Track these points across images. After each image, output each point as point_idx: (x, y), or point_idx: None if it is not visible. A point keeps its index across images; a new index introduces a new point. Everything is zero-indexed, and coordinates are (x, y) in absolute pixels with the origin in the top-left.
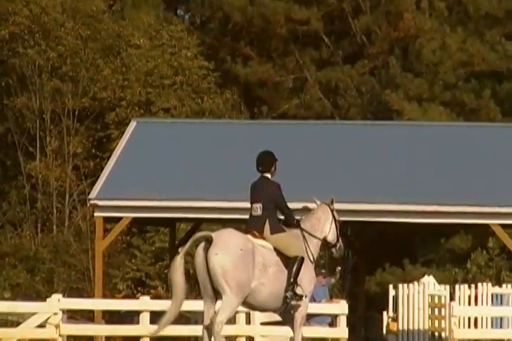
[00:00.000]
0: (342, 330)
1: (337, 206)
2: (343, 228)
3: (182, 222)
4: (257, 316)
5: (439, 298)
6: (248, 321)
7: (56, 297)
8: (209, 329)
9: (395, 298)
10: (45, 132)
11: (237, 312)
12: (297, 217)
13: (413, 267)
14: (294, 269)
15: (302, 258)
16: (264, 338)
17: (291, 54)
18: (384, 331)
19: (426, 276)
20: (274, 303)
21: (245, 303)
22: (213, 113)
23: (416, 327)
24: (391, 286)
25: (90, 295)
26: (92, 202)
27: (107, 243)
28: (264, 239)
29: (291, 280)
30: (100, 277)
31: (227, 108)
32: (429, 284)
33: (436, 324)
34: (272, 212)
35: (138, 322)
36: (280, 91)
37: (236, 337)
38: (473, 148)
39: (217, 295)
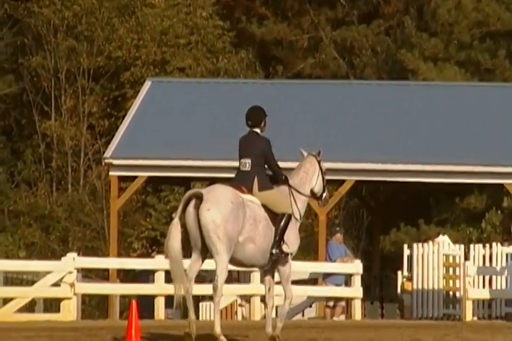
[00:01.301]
0: (356, 290)
1: (352, 165)
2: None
3: (197, 181)
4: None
5: (454, 257)
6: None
7: (71, 256)
8: (188, 280)
9: (410, 258)
10: (60, 91)
11: (251, 272)
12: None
13: (428, 227)
14: (281, 226)
15: (290, 216)
16: (278, 297)
17: (307, 13)
18: (398, 290)
19: (440, 236)
20: (261, 259)
21: (233, 259)
22: (228, 72)
23: (430, 287)
24: (406, 246)
25: (105, 254)
26: (107, 161)
27: (121, 202)
28: (252, 194)
29: (278, 237)
30: (115, 236)
31: (242, 67)
32: (444, 243)
33: (451, 283)
34: (260, 168)
35: (153, 281)
36: (295, 51)
37: (251, 296)
38: (488, 108)
39: (205, 252)
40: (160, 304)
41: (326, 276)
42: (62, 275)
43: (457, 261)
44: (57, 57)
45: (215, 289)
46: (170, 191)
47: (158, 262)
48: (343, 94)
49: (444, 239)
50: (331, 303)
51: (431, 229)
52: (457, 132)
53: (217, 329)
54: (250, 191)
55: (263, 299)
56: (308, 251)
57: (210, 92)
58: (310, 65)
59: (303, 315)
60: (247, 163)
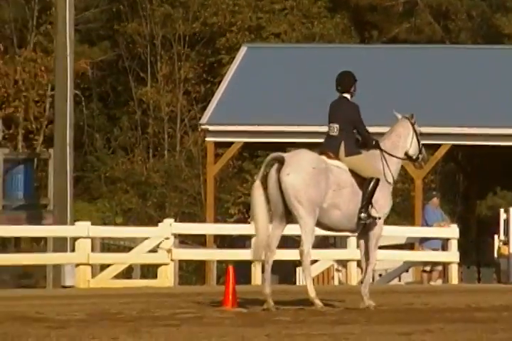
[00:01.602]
0: (453, 254)
1: (448, 130)
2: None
3: (292, 146)
4: None
5: None
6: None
7: (168, 222)
8: (271, 250)
9: (506, 222)
10: (156, 57)
11: (348, 237)
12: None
13: None
14: (368, 190)
15: (378, 180)
16: (378, 262)
17: None
18: (495, 255)
19: None
20: (348, 224)
21: (320, 224)
22: (324, 37)
23: None
24: (502, 210)
25: (202, 219)
26: (203, 127)
27: (218, 168)
28: (339, 160)
29: (365, 201)
30: (212, 202)
31: (338, 32)
32: None
33: None
34: (348, 133)
35: (249, 247)
36: (390, 16)
37: (347, 261)
38: None
39: (287, 217)
40: (257, 269)
41: (423, 241)
42: (159, 241)
43: None
44: (153, 24)
45: (301, 254)
46: (266, 157)
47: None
48: (438, 58)
49: None
50: (428, 268)
51: None
52: None
53: (312, 294)
54: (337, 156)
55: (359, 264)
56: (404, 215)
57: (305, 58)
58: (405, 29)
59: (399, 279)
60: (334, 128)
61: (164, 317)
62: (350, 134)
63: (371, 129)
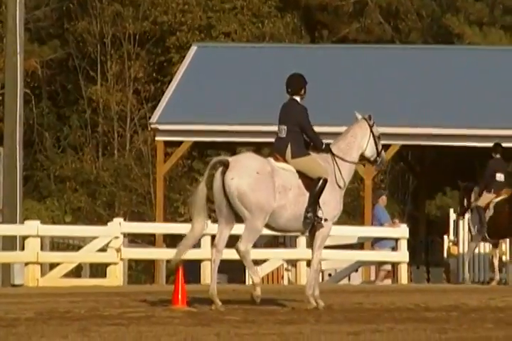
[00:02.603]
0: (403, 254)
1: (398, 130)
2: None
3: (242, 146)
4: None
5: None
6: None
7: (117, 221)
8: (218, 250)
9: (456, 222)
10: (106, 56)
11: (297, 237)
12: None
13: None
14: (315, 190)
15: (325, 180)
16: (324, 262)
17: None
18: (445, 255)
19: None
20: (295, 225)
21: (268, 226)
22: (274, 37)
23: (476, 251)
24: (451, 210)
25: (151, 219)
26: (153, 126)
27: (167, 167)
28: (286, 162)
29: (312, 200)
30: (161, 201)
31: (288, 32)
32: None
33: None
34: (296, 135)
35: (199, 246)
36: (340, 16)
37: (297, 260)
38: None
39: (232, 218)
40: (206, 268)
41: (376, 241)
42: (109, 241)
43: None
44: (103, 22)
45: (237, 251)
46: (216, 156)
47: None
48: (388, 58)
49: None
50: (388, 267)
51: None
52: (503, 96)
53: (256, 280)
54: (284, 158)
55: (309, 263)
56: (354, 215)
57: (255, 57)
58: (355, 29)
59: (349, 279)
60: (283, 130)
61: (113, 316)
62: (298, 136)
63: (318, 129)
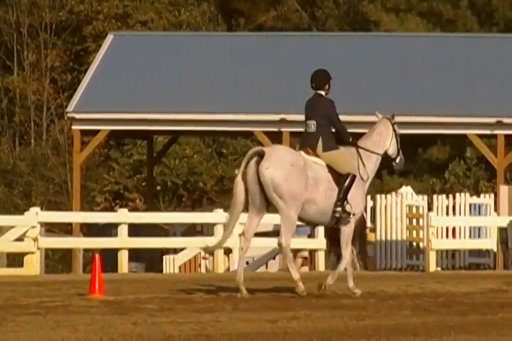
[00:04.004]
0: (320, 241)
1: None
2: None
3: (159, 134)
4: (236, 228)
5: (417, 208)
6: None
7: (34, 210)
8: (246, 238)
9: (373, 209)
10: (23, 46)
11: (215, 225)
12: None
13: (391, 177)
14: (345, 186)
15: (354, 176)
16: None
17: None
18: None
19: (404, 187)
20: (322, 218)
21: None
22: (190, 25)
23: (394, 238)
24: (369, 197)
25: (68, 208)
26: (69, 115)
27: (84, 156)
28: (317, 156)
29: (341, 196)
30: (78, 190)
31: (205, 20)
32: (407, 194)
33: (414, 234)
34: (326, 129)
35: (116, 235)
36: (257, 3)
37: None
38: (450, 59)
39: (264, 208)
40: (123, 257)
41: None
42: (26, 230)
43: (420, 211)
44: (19, 12)
45: (280, 246)
46: (132, 145)
47: (121, 215)
48: (305, 46)
49: (407, 190)
50: (306, 253)
51: (394, 180)
52: (419, 83)
53: (296, 277)
54: (315, 152)
55: (226, 252)
56: None
57: (172, 46)
58: (272, 17)
59: (266, 267)
60: (312, 125)
61: (30, 305)
62: (328, 130)
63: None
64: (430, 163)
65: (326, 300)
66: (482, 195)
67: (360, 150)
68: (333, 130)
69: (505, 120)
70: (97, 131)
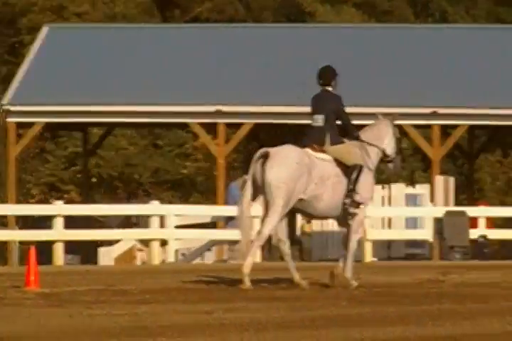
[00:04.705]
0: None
1: (250, 108)
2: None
3: (94, 126)
4: (172, 220)
5: None
6: (162, 224)
7: None
8: (279, 237)
9: None
10: None
11: (150, 216)
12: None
13: None
14: (353, 177)
15: (361, 166)
16: (177, 241)
17: None
18: (298, 233)
19: None
20: (333, 212)
21: (305, 213)
22: (126, 17)
23: (330, 228)
24: None
25: (3, 200)
26: (4, 107)
27: (19, 148)
28: (323, 151)
29: (350, 187)
30: (13, 182)
31: (140, 12)
32: None
33: None
34: (333, 123)
35: (51, 227)
36: None
37: (150, 240)
38: (385, 49)
39: (290, 203)
40: (59, 250)
41: (229, 220)
42: None
43: None
44: None
45: (258, 233)
46: (68, 137)
47: (56, 208)
48: (240, 37)
49: None
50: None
51: None
52: (356, 74)
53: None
54: (322, 147)
55: (162, 244)
56: (207, 194)
57: (107, 37)
58: (207, 8)
59: (202, 258)
60: (320, 119)
61: None
62: (335, 124)
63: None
64: None
65: (262, 291)
66: (417, 186)
67: (364, 143)
68: (338, 122)
69: (441, 110)
70: (32, 124)
